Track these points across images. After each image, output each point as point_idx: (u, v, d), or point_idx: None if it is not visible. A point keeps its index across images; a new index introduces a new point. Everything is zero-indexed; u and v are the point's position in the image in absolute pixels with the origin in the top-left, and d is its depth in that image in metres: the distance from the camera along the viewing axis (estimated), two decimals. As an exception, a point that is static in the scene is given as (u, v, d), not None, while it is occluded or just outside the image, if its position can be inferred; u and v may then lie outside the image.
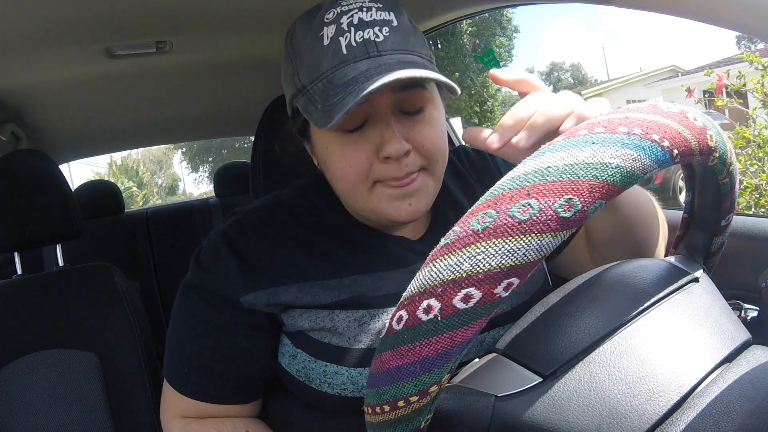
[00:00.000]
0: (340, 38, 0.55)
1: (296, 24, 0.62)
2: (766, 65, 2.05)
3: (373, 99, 0.55)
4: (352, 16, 0.56)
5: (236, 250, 0.64)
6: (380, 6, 0.57)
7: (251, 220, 0.67)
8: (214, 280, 0.64)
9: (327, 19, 0.56)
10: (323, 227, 0.66)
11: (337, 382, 0.60)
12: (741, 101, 2.19)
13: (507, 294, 0.31)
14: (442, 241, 0.33)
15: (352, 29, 0.55)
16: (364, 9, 0.56)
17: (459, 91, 0.59)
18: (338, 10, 0.56)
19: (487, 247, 0.31)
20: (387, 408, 0.35)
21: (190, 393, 0.66)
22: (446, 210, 0.70)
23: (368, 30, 0.55)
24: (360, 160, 0.58)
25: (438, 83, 0.56)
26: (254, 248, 0.64)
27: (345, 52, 0.55)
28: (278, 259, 0.63)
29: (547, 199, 0.31)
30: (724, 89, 2.20)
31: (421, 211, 0.61)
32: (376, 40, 0.55)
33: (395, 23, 0.57)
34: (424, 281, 0.32)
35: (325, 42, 0.56)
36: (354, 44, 0.55)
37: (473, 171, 0.78)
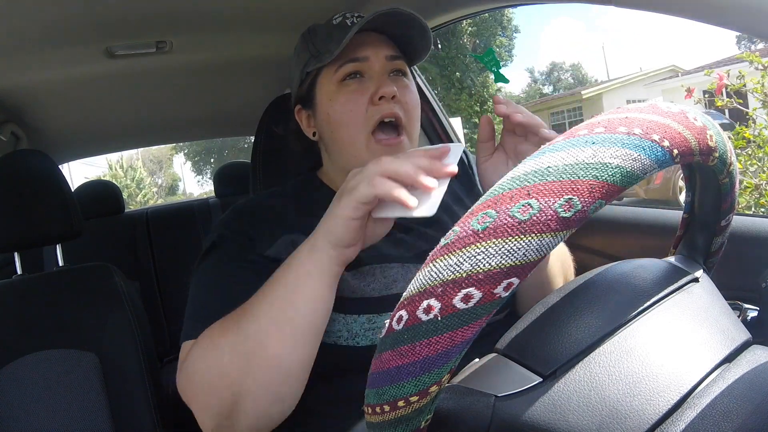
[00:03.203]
0: (347, 20, 0.76)
1: (313, 25, 0.81)
2: (766, 65, 2.05)
3: (370, 59, 0.74)
4: (353, 13, 0.78)
5: (252, 218, 0.75)
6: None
7: (257, 200, 0.80)
8: (239, 237, 0.72)
9: (336, 16, 0.78)
10: (320, 209, 0.72)
11: (332, 329, 0.68)
12: (741, 101, 2.19)
13: (507, 294, 0.31)
14: (442, 241, 0.33)
15: (354, 17, 0.77)
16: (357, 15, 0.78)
17: (437, 46, 0.79)
18: (341, 14, 0.78)
19: (487, 247, 0.31)
20: (387, 408, 0.35)
21: (193, 334, 0.65)
22: None
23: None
24: (358, 104, 0.72)
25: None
26: (264, 220, 0.75)
27: (348, 24, 0.76)
28: (283, 231, 0.73)
29: (547, 199, 0.31)
30: (724, 89, 2.20)
31: None
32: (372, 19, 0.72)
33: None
34: (424, 281, 0.32)
35: (335, 23, 0.77)
36: (355, 21, 0.75)
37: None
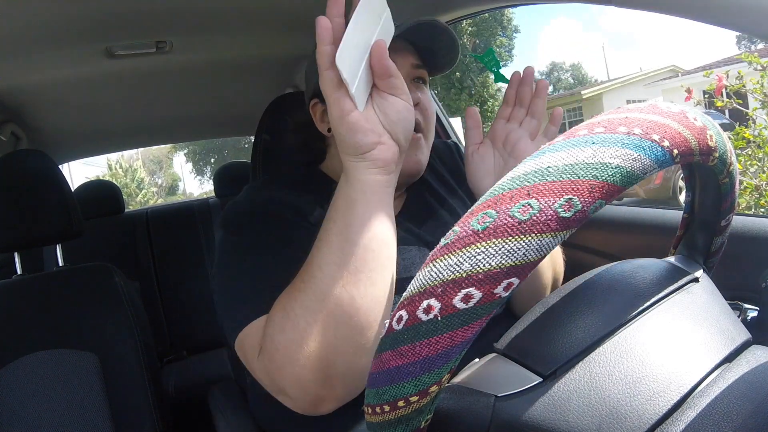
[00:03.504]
0: None
1: None
2: (765, 65, 2.05)
3: (399, 66, 0.64)
4: None
5: (281, 193, 0.76)
6: None
7: (276, 181, 0.82)
8: (277, 205, 0.73)
9: None
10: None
11: None
12: (740, 102, 2.19)
13: (507, 294, 0.31)
14: (442, 241, 0.33)
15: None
16: None
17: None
18: None
19: (487, 247, 0.31)
20: (387, 408, 0.35)
21: (261, 310, 0.62)
22: (422, 191, 0.86)
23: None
24: None
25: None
26: (294, 195, 0.76)
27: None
28: (315, 202, 0.74)
29: (547, 199, 0.31)
30: (723, 90, 2.20)
31: (423, 164, 0.78)
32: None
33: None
34: (424, 281, 0.32)
35: None
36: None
37: (446, 167, 0.94)
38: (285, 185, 0.80)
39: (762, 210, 2.09)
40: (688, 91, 2.58)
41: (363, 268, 0.56)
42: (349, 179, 0.58)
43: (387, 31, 0.56)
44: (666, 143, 0.34)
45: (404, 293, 0.34)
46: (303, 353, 0.55)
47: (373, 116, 0.57)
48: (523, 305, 0.82)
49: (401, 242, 0.72)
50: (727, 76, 2.17)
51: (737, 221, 0.78)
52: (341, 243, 0.57)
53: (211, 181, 2.80)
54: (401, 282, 0.69)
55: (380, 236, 0.57)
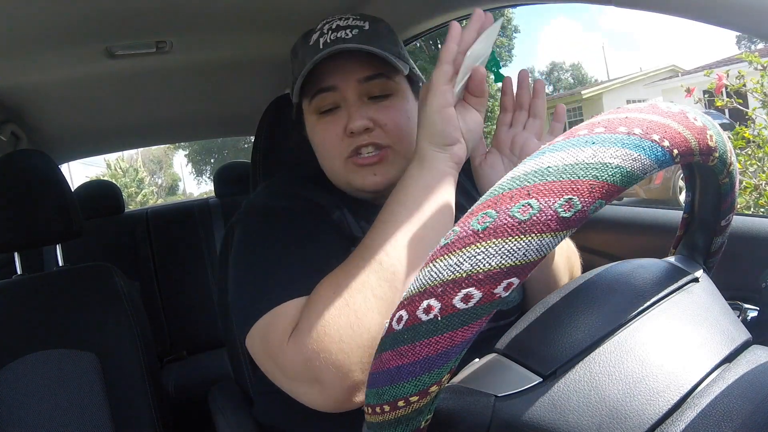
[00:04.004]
0: (320, 38, 0.71)
1: (299, 38, 0.78)
2: (765, 65, 2.05)
3: (341, 88, 0.71)
4: (332, 23, 0.73)
5: (301, 188, 0.75)
6: (358, 17, 0.73)
7: (293, 177, 0.80)
8: (299, 200, 0.72)
9: (316, 29, 0.74)
10: (339, 194, 0.76)
11: None
12: (740, 101, 2.19)
13: (507, 294, 0.31)
14: (442, 241, 0.33)
15: (330, 32, 0.71)
16: (344, 18, 0.73)
17: (406, 71, 0.72)
18: (325, 21, 0.74)
19: (487, 247, 0.31)
20: (387, 408, 0.35)
21: (294, 291, 0.60)
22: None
23: (341, 31, 0.71)
24: (332, 136, 0.71)
25: (410, 77, 0.75)
26: (313, 189, 0.75)
27: (321, 46, 0.70)
28: (334, 203, 0.74)
29: (547, 199, 0.31)
30: (724, 89, 2.20)
31: (385, 182, 0.72)
32: (345, 37, 0.70)
33: (367, 28, 0.72)
34: (424, 281, 0.32)
35: (311, 43, 0.72)
36: (328, 41, 0.70)
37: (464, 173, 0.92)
38: (306, 182, 0.78)
39: (761, 210, 2.09)
40: (689, 90, 2.58)
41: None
42: (426, 166, 0.60)
43: (484, 63, 0.65)
44: (666, 143, 0.34)
45: (404, 293, 0.34)
46: (356, 334, 0.54)
47: (458, 119, 0.62)
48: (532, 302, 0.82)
49: None
50: (727, 76, 2.17)
51: (737, 221, 0.78)
52: (412, 226, 0.57)
53: (210, 182, 2.79)
54: None
55: (449, 224, 0.59)
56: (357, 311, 0.55)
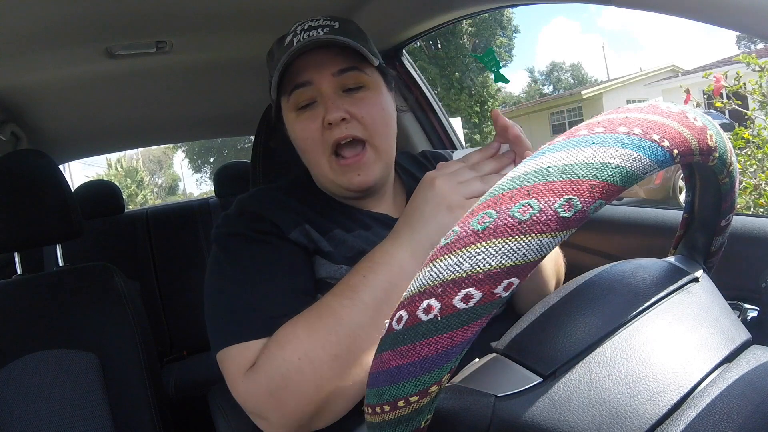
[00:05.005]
0: (294, 39, 0.73)
1: (274, 42, 0.80)
2: (763, 66, 2.05)
3: (316, 81, 0.73)
4: (304, 24, 0.75)
5: (263, 204, 0.76)
6: (328, 18, 0.76)
7: (261, 192, 0.81)
8: (260, 222, 0.73)
9: (289, 32, 0.76)
10: (318, 204, 0.80)
11: None
12: (739, 102, 2.19)
13: (507, 294, 0.31)
14: (442, 241, 0.33)
15: (303, 32, 0.73)
16: (315, 19, 0.76)
17: (376, 62, 0.76)
18: (297, 23, 0.76)
19: (487, 247, 0.31)
20: (387, 408, 0.35)
21: (256, 332, 0.64)
22: None
23: (313, 30, 0.73)
24: (311, 129, 0.74)
25: (381, 69, 0.78)
26: (275, 206, 0.76)
27: (294, 45, 0.72)
28: (296, 218, 0.75)
29: (547, 199, 0.31)
30: (723, 91, 2.20)
31: (370, 181, 0.75)
32: (317, 34, 0.72)
33: (337, 26, 0.74)
34: (424, 281, 0.32)
35: (285, 44, 0.74)
36: (301, 40, 0.72)
37: None
38: (277, 196, 0.79)
39: (761, 210, 2.09)
40: (687, 91, 2.58)
41: None
42: (416, 256, 0.62)
43: None
44: (666, 143, 0.34)
45: (404, 293, 0.34)
46: (314, 393, 0.58)
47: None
48: (526, 304, 0.83)
49: None
50: (726, 77, 2.17)
51: (737, 221, 0.78)
52: (379, 307, 0.60)
53: (209, 181, 2.80)
54: None
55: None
56: (322, 374, 0.59)
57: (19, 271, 1.24)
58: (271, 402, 0.60)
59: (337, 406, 0.60)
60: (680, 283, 0.45)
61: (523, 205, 0.31)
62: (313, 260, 0.73)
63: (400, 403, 0.35)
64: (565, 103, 19.06)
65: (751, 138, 2.18)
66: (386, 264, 0.63)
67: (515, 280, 0.31)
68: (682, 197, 5.78)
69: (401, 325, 0.33)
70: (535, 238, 0.30)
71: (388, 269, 0.62)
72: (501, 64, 0.80)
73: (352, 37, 0.74)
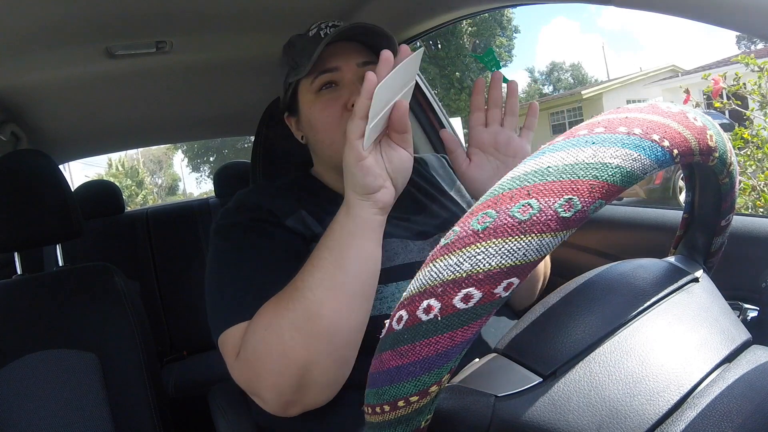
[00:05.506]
0: (319, 31, 0.79)
1: (293, 36, 0.85)
2: (762, 66, 2.05)
3: (343, 69, 0.78)
4: (325, 22, 0.81)
5: (262, 194, 0.81)
6: (340, 21, 0.81)
7: (260, 186, 0.85)
8: (257, 212, 0.77)
9: (311, 28, 0.82)
10: (316, 197, 0.83)
11: None
12: (739, 102, 2.19)
13: (507, 294, 0.31)
14: (442, 241, 0.33)
15: (326, 27, 0.80)
16: (332, 21, 0.81)
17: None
18: (315, 23, 0.81)
19: (487, 247, 0.31)
20: (387, 408, 0.35)
21: (248, 315, 0.66)
22: (408, 188, 0.86)
23: (335, 27, 0.79)
24: (334, 110, 0.77)
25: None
26: (273, 195, 0.80)
27: (322, 35, 0.78)
28: (293, 205, 0.79)
29: (547, 199, 0.31)
30: (723, 91, 2.20)
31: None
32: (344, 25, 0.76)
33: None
34: (424, 281, 0.32)
35: (311, 35, 0.80)
36: (328, 32, 0.78)
37: (438, 175, 1.00)
38: (274, 189, 0.84)
39: (760, 210, 2.09)
40: (687, 91, 2.58)
41: (350, 296, 0.63)
42: (350, 214, 0.64)
43: (407, 95, 0.65)
44: (666, 143, 0.34)
45: (404, 293, 0.34)
46: (284, 364, 0.61)
47: (381, 162, 0.65)
48: (516, 299, 0.90)
49: (384, 236, 0.76)
50: (725, 78, 2.16)
51: (737, 221, 0.78)
52: (335, 270, 0.62)
53: (209, 181, 2.80)
54: (384, 272, 0.71)
55: (371, 269, 0.65)
56: (286, 344, 0.61)
57: (19, 271, 1.24)
58: (253, 377, 0.63)
59: (318, 379, 0.62)
60: (680, 283, 0.45)
61: (523, 205, 0.31)
62: (310, 247, 0.75)
63: (400, 403, 0.35)
64: (565, 103, 19.05)
65: (750, 138, 2.18)
66: (333, 231, 0.65)
67: (515, 280, 0.31)
68: (682, 197, 5.78)
69: (401, 325, 0.33)
70: (535, 238, 0.30)
71: (336, 235, 0.65)
72: (501, 64, 0.81)
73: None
